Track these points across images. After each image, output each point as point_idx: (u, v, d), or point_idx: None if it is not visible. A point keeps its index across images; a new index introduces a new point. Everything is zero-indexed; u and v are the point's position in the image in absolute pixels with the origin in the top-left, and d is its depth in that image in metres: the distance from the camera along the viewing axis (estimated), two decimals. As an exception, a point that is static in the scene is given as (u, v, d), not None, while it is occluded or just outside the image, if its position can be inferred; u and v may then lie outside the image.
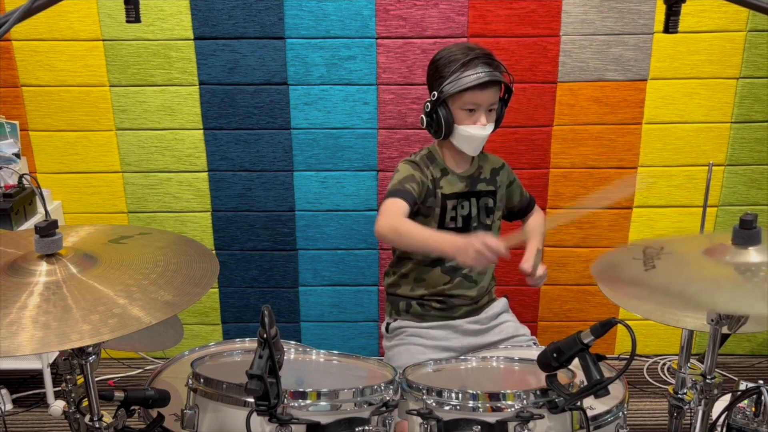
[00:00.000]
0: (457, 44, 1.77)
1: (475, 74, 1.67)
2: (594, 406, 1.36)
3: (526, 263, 1.78)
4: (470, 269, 1.85)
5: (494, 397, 1.22)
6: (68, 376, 1.22)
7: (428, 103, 1.75)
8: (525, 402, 1.22)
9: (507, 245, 1.50)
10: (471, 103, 1.71)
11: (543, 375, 1.24)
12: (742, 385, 1.99)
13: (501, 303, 1.95)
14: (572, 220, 1.67)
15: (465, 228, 1.84)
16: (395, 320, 1.91)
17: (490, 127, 1.75)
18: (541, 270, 1.79)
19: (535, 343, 1.83)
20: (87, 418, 1.20)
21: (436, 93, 1.72)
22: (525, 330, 1.90)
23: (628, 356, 1.25)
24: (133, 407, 1.24)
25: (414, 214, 1.77)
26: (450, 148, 1.83)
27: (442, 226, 1.83)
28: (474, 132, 1.73)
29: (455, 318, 1.87)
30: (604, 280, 1.27)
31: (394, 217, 1.69)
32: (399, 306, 1.90)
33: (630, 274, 1.24)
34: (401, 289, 1.90)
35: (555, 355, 1.20)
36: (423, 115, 1.78)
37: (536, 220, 2.01)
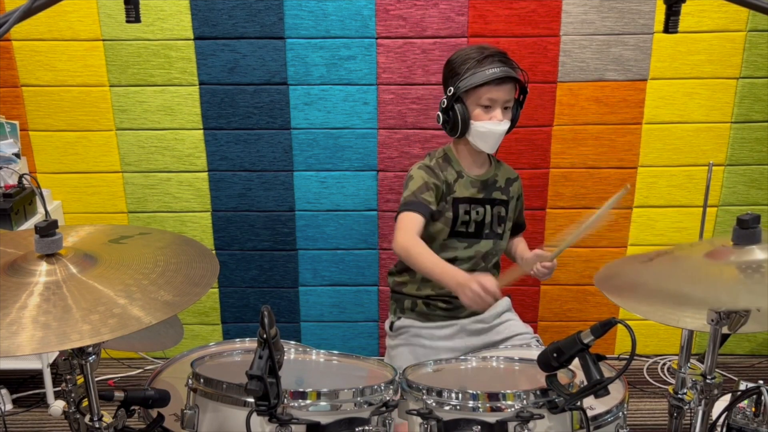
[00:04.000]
0: (472, 45, 1.80)
1: (491, 70, 1.70)
2: (594, 406, 1.36)
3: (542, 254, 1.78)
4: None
5: (494, 397, 1.22)
6: (68, 376, 1.22)
7: (444, 100, 1.76)
8: (525, 402, 1.22)
9: (502, 285, 1.54)
10: (487, 99, 1.73)
11: (543, 375, 1.24)
12: (742, 385, 1.99)
13: (504, 302, 1.96)
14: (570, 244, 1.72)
15: (477, 233, 1.84)
16: (399, 319, 1.91)
17: (506, 124, 1.76)
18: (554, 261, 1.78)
19: (538, 341, 1.84)
20: (87, 418, 1.20)
21: (452, 89, 1.73)
22: (528, 329, 1.90)
23: (628, 356, 1.25)
24: (133, 407, 1.24)
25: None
26: (466, 148, 1.83)
27: (453, 229, 1.82)
28: (491, 127, 1.74)
29: (460, 318, 1.87)
30: (607, 288, 1.28)
31: (408, 235, 1.71)
32: (404, 304, 1.91)
33: (631, 280, 1.24)
34: (407, 287, 1.90)
35: (555, 355, 1.20)
36: (439, 113, 1.79)
37: (525, 248, 2.01)
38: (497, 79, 1.70)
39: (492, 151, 1.81)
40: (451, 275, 1.60)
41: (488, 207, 1.85)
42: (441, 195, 1.80)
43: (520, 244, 2.01)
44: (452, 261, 1.83)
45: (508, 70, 1.72)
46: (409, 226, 1.73)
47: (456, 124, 1.75)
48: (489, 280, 1.51)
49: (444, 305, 1.86)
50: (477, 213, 1.83)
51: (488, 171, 1.87)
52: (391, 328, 1.93)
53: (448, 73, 1.79)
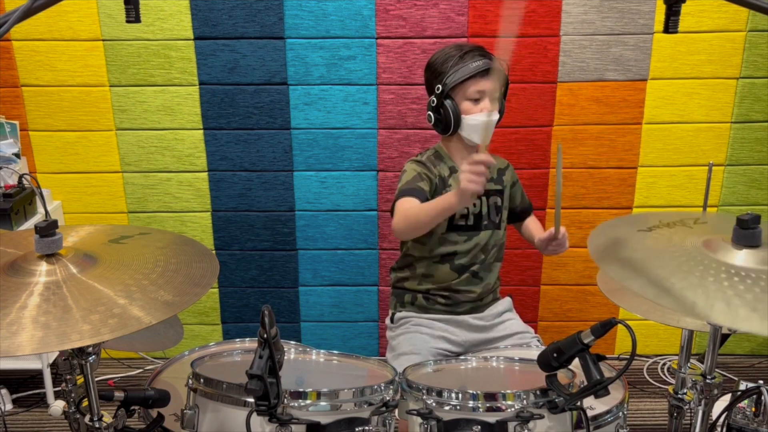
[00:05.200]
0: (448, 45, 1.82)
1: (475, 63, 1.73)
2: (594, 406, 1.36)
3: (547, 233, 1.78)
4: (480, 266, 1.86)
5: (494, 397, 1.22)
6: (68, 376, 1.22)
7: (433, 98, 1.77)
8: (525, 402, 1.22)
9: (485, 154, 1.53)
10: (475, 92, 1.74)
11: (543, 375, 1.24)
12: (742, 385, 1.99)
13: (505, 302, 1.96)
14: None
15: (476, 226, 1.85)
16: (400, 311, 1.92)
17: (496, 114, 1.77)
18: (562, 230, 1.77)
19: (538, 341, 1.84)
20: (87, 418, 1.20)
21: (440, 86, 1.74)
22: (528, 329, 1.90)
23: (628, 356, 1.25)
24: (133, 407, 1.24)
25: None
26: (457, 144, 1.84)
27: (451, 223, 1.83)
28: (482, 119, 1.75)
29: (459, 314, 1.88)
30: (598, 257, 1.25)
31: (403, 211, 1.72)
32: (404, 298, 1.92)
33: (624, 254, 1.22)
34: (408, 282, 1.91)
35: (555, 355, 1.20)
36: (429, 112, 1.80)
37: (535, 222, 2.05)
38: (483, 70, 1.73)
39: (485, 143, 1.80)
40: (445, 198, 1.61)
41: (484, 198, 1.86)
42: (435, 188, 1.81)
43: (530, 224, 2.02)
44: (452, 255, 1.84)
45: (490, 62, 1.75)
46: (405, 207, 1.74)
47: (448, 121, 1.77)
48: (475, 154, 1.52)
49: (443, 300, 1.87)
50: (474, 205, 1.84)
51: None
52: (392, 320, 1.94)
53: (431, 75, 1.80)
